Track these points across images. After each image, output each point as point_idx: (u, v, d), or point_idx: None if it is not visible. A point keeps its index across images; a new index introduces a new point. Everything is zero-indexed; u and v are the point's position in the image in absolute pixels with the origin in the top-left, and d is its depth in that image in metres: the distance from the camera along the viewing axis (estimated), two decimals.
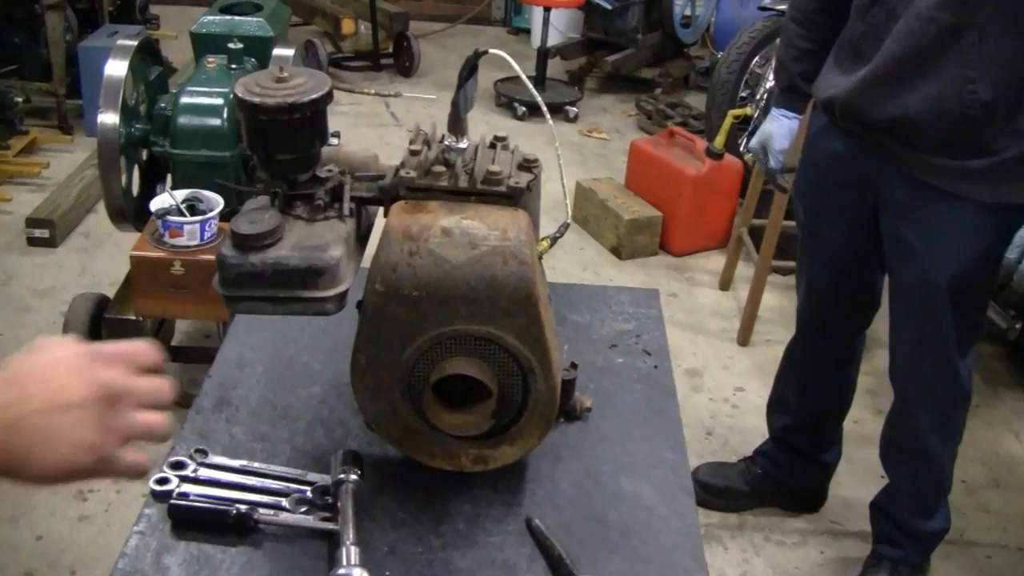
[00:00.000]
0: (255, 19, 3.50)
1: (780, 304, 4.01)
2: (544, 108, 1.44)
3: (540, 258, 1.31)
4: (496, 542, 1.24)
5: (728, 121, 4.38)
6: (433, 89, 6.02)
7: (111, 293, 3.19)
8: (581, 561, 1.20)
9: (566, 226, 1.44)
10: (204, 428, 1.40)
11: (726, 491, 2.91)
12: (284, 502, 1.25)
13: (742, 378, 3.56)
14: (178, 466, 1.30)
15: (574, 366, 1.44)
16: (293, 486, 1.28)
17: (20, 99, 4.77)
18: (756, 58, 4.71)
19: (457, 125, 1.27)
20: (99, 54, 3.75)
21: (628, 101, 6.05)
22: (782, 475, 2.88)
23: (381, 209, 1.29)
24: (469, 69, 1.25)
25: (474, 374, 1.20)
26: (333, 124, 1.32)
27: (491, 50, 1.30)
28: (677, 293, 4.12)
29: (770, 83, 4.61)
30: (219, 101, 3.12)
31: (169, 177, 3.25)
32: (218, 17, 3.51)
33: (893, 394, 2.50)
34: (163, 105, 3.18)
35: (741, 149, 4.70)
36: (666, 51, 6.22)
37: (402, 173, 1.24)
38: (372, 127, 5.50)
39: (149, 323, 3.08)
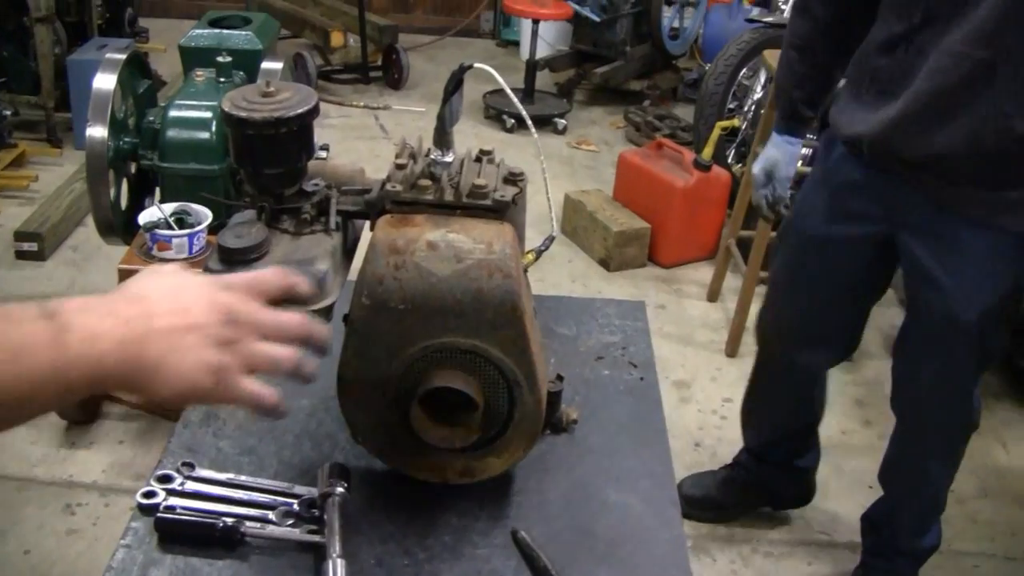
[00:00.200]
0: (244, 33, 3.51)
1: None
2: (529, 121, 1.45)
3: (526, 271, 1.31)
4: (483, 554, 1.24)
5: (716, 133, 4.41)
6: (422, 101, 6.03)
7: None
8: (568, 573, 1.20)
9: (551, 239, 1.45)
10: (191, 442, 1.40)
11: (712, 502, 2.92)
12: (271, 515, 1.26)
13: (730, 389, 3.56)
14: (165, 479, 1.30)
15: (560, 378, 1.45)
16: (280, 499, 1.28)
17: (9, 112, 4.76)
18: (744, 70, 4.73)
19: (443, 139, 1.28)
20: (88, 67, 3.75)
21: (617, 113, 6.07)
22: (764, 480, 2.88)
23: (367, 223, 1.29)
24: (454, 84, 1.26)
25: (460, 387, 1.20)
26: (322, 137, 1.33)
27: (477, 64, 1.30)
28: (666, 305, 4.13)
29: (758, 95, 4.64)
30: (207, 115, 3.13)
31: (158, 190, 3.25)
32: (207, 31, 3.53)
33: (897, 419, 2.49)
34: (152, 118, 3.19)
35: (730, 162, 4.71)
36: (654, 63, 6.24)
37: (388, 187, 1.25)
38: (361, 140, 5.51)
39: None
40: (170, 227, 2.86)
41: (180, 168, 3.12)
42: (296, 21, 6.47)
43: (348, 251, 1.31)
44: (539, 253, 1.42)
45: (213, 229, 2.87)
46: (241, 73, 3.36)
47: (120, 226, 3.16)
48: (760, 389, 2.78)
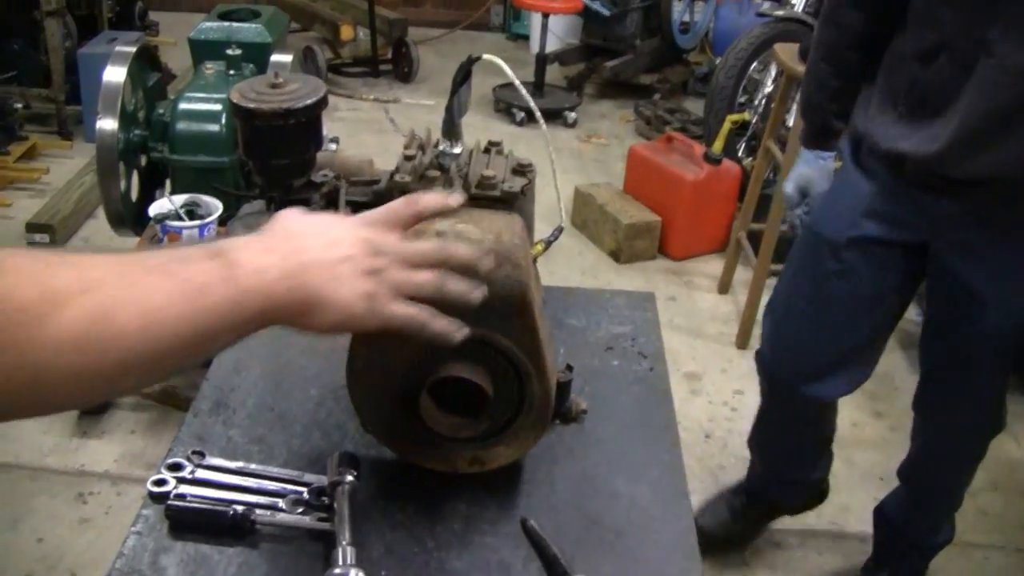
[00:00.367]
0: (253, 26, 3.52)
1: None
2: (537, 112, 1.45)
3: (535, 261, 1.32)
4: (491, 543, 1.25)
5: (726, 126, 4.40)
6: (432, 95, 6.03)
7: None
8: (576, 562, 1.20)
9: (560, 230, 1.45)
10: (201, 431, 1.40)
11: (731, 533, 2.81)
12: (281, 503, 1.26)
13: (741, 381, 3.57)
14: (175, 467, 1.30)
15: (570, 368, 1.45)
16: (290, 487, 1.29)
17: (20, 105, 4.79)
18: (754, 64, 4.73)
19: (452, 130, 1.28)
20: (98, 61, 3.76)
21: (627, 107, 6.06)
22: (777, 498, 2.80)
23: None
24: (463, 75, 1.26)
25: (470, 376, 1.20)
26: (332, 130, 1.33)
27: (485, 56, 1.30)
28: (676, 297, 4.13)
29: (769, 89, 4.63)
30: (217, 107, 3.14)
31: (168, 182, 3.26)
32: (216, 24, 3.53)
33: (921, 420, 2.46)
34: (162, 111, 3.20)
35: (740, 155, 4.71)
36: (665, 57, 6.24)
37: (397, 178, 1.25)
38: (371, 133, 5.52)
39: None
40: (180, 219, 2.87)
41: (190, 160, 3.13)
42: (306, 14, 6.48)
43: None
44: (548, 243, 1.42)
45: (223, 220, 2.88)
46: (251, 66, 3.37)
47: (131, 218, 3.17)
48: (769, 427, 2.65)
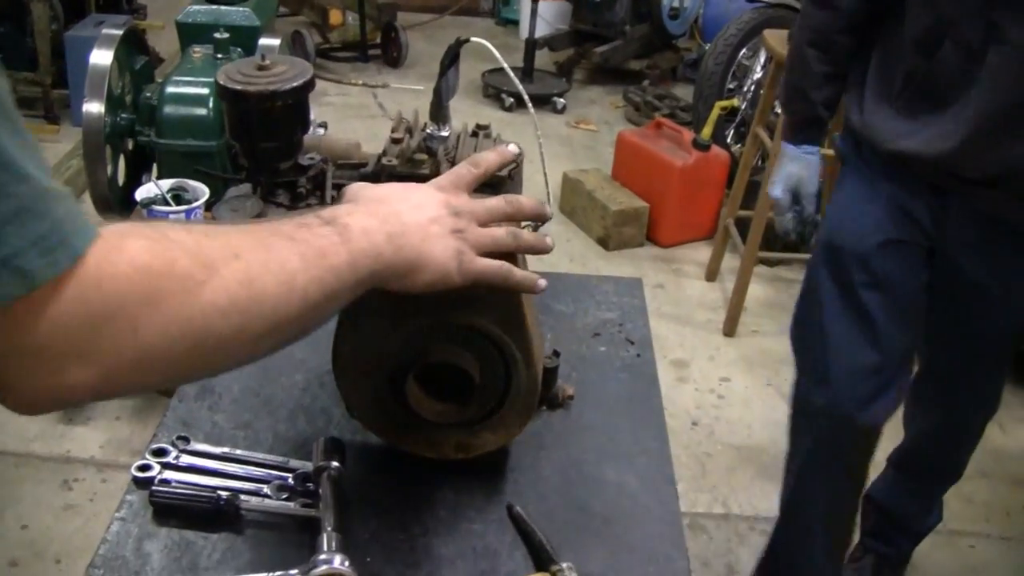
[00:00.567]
0: (241, 9, 3.50)
1: (766, 295, 4.02)
2: (526, 97, 1.44)
3: None
4: (478, 529, 1.24)
5: (715, 113, 4.40)
6: (421, 80, 6.01)
7: None
8: (563, 548, 1.20)
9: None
10: (186, 416, 1.40)
11: None
12: (266, 489, 1.25)
13: (728, 369, 3.57)
14: (160, 453, 1.30)
15: (557, 354, 1.44)
16: (275, 473, 1.28)
17: None
18: (744, 50, 4.73)
19: (439, 113, 1.27)
20: (85, 44, 3.73)
21: (616, 93, 6.06)
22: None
23: None
24: (451, 58, 1.26)
25: (457, 362, 1.20)
26: (320, 115, 1.33)
27: (473, 39, 1.30)
28: (664, 284, 4.13)
29: (758, 75, 4.62)
30: (205, 91, 3.12)
31: (155, 167, 3.25)
32: (204, 7, 3.51)
33: (919, 411, 2.47)
34: (149, 95, 3.18)
35: (729, 142, 4.71)
36: (654, 43, 6.23)
37: (384, 161, 1.25)
38: (360, 118, 5.50)
39: None
40: (167, 203, 2.86)
41: (177, 144, 3.11)
42: None
43: None
44: (535, 228, 1.42)
45: (210, 205, 2.87)
46: (239, 50, 3.35)
47: (117, 202, 3.15)
48: (819, 479, 2.28)
